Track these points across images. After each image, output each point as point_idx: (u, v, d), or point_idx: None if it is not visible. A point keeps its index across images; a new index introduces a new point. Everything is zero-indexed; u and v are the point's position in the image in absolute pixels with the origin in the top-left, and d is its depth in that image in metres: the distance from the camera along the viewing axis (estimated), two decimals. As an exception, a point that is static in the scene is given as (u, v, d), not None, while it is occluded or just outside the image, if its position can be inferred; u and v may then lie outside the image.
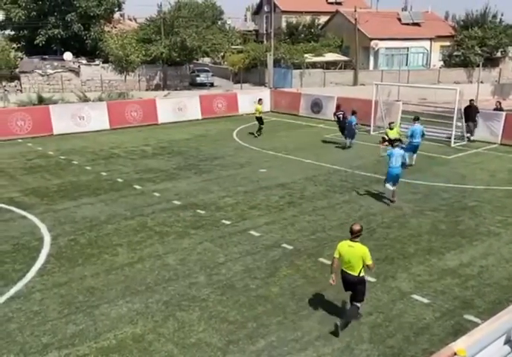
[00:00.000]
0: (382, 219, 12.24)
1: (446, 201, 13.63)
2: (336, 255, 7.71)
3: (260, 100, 23.25)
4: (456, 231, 11.53)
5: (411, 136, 16.68)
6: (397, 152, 13.25)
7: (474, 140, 20.92)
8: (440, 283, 9.08)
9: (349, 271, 7.60)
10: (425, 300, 8.50)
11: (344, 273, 7.69)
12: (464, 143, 20.75)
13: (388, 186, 13.35)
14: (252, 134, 22.66)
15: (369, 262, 7.51)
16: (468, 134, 21.13)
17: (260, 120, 22.51)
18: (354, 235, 7.61)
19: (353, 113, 19.80)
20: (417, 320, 7.95)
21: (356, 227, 7.62)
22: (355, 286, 7.66)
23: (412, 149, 16.71)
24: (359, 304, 7.75)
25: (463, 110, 21.14)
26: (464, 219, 12.27)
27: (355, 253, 7.51)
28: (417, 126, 16.83)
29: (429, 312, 8.19)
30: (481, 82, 37.28)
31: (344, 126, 20.45)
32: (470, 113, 21.08)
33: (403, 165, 13.77)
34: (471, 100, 21.59)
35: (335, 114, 21.44)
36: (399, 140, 19.08)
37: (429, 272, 9.51)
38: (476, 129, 21.20)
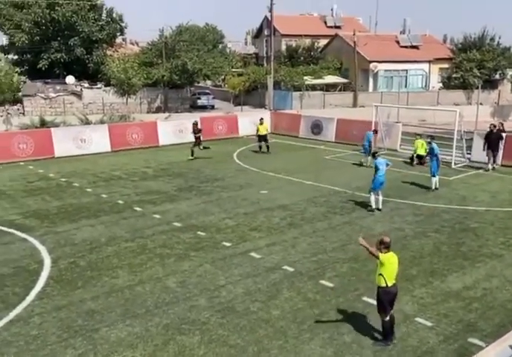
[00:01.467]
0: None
1: (447, 222, 13.59)
2: (383, 261, 7.52)
3: (261, 119, 24.53)
4: (458, 253, 11.46)
5: (435, 154, 16.77)
6: (382, 160, 14.40)
7: (474, 161, 20.90)
8: (444, 306, 8.99)
9: (395, 281, 7.68)
10: (428, 323, 8.40)
11: (393, 286, 7.66)
12: (465, 164, 20.77)
13: (373, 198, 14.41)
14: (259, 152, 23.83)
15: None
16: (491, 165, 19.73)
17: (264, 138, 23.83)
18: (389, 247, 7.67)
19: (375, 131, 21.32)
20: (421, 344, 7.83)
21: (388, 239, 7.69)
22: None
23: (437, 167, 16.74)
24: None
25: (484, 137, 19.89)
26: (466, 241, 12.20)
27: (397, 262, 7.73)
28: (435, 145, 17.09)
29: (432, 335, 8.08)
30: (481, 103, 37.56)
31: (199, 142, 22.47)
32: (491, 139, 19.66)
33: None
34: (492, 125, 20.09)
35: (197, 138, 22.47)
36: (422, 157, 20.33)
37: (431, 295, 9.42)
38: (476, 150, 20.94)
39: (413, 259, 11.08)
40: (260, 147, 23.95)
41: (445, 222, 13.58)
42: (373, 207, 14.44)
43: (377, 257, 7.53)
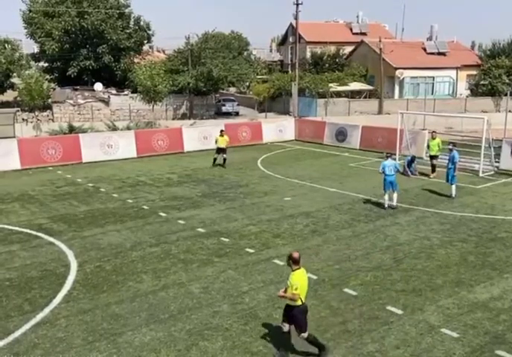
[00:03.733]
0: (409, 250, 12.02)
1: (475, 231, 13.34)
2: (298, 291, 7.31)
3: (222, 131, 22.74)
4: (486, 263, 11.23)
5: (454, 162, 16.62)
6: (389, 162, 15.29)
7: (502, 170, 20.48)
8: (471, 317, 8.81)
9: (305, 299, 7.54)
10: (454, 334, 8.24)
11: (305, 303, 7.54)
12: (493, 172, 20.38)
13: (386, 197, 15.29)
14: (213, 166, 22.14)
15: None
16: None
17: (223, 150, 22.06)
18: (299, 262, 7.47)
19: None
20: (447, 356, 7.68)
21: (297, 254, 7.45)
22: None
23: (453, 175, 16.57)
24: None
25: None
26: (494, 251, 11.95)
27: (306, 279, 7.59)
28: (456, 153, 16.89)
29: (458, 346, 7.92)
30: (509, 111, 36.79)
31: None
32: None
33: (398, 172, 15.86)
34: None
35: None
36: (436, 156, 19.97)
37: (458, 305, 9.25)
38: (504, 158, 20.58)
39: (439, 268, 10.90)
40: (215, 160, 22.13)
41: (472, 232, 13.33)
42: (386, 206, 15.27)
43: (295, 300, 7.38)
